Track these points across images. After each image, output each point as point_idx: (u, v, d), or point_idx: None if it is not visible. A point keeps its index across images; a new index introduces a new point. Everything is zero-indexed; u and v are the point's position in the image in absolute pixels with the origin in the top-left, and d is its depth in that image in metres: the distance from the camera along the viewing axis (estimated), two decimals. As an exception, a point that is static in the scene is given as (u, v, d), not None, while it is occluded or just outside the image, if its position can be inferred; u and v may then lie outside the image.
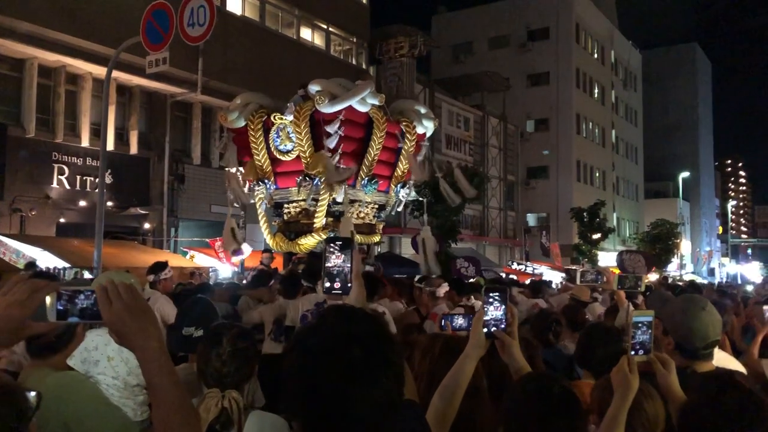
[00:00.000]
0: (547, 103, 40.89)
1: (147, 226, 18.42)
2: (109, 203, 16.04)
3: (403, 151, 8.73)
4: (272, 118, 8.35)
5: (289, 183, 8.49)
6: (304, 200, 8.27)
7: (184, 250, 18.39)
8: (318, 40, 24.62)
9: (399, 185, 8.97)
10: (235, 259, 13.72)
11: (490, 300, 2.06)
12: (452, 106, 32.61)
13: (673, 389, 2.21)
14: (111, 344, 2.31)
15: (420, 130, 8.84)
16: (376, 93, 8.24)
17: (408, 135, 8.65)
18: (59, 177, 16.49)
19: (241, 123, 8.60)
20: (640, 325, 2.19)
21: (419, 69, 30.37)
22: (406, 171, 8.93)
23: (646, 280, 4.70)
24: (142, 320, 1.34)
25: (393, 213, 9.70)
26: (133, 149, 18.40)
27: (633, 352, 2.17)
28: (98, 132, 14.17)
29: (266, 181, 8.61)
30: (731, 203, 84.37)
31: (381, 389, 1.27)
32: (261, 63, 20.85)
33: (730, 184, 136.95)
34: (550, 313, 4.83)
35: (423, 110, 9.11)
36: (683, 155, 62.57)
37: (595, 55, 45.70)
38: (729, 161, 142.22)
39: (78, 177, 16.87)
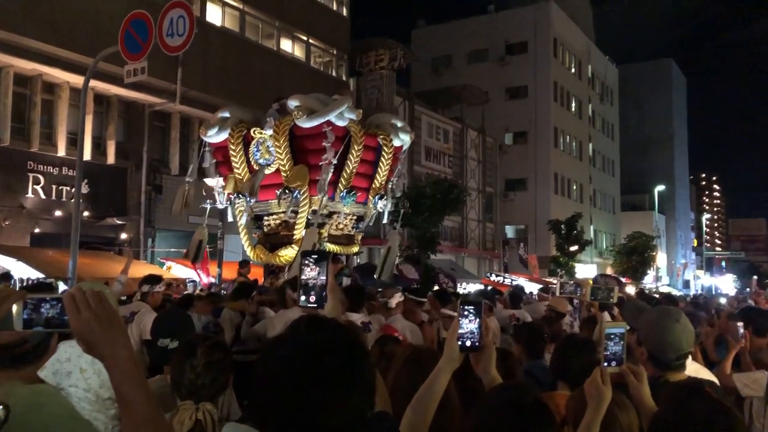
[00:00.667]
0: (525, 117, 41.27)
1: (123, 236, 18.22)
2: (86, 213, 15.86)
3: (380, 162, 8.80)
4: (252, 133, 8.44)
5: (268, 196, 8.56)
6: (284, 212, 8.35)
7: (161, 261, 18.20)
8: (298, 52, 24.65)
9: (377, 197, 9.04)
10: (206, 280, 13.64)
11: (465, 313, 2.04)
12: (432, 119, 32.77)
13: (645, 400, 2.24)
14: (84, 356, 2.28)
15: (397, 143, 8.99)
16: (354, 108, 8.44)
17: (385, 148, 8.77)
18: (34, 186, 16.28)
19: (221, 137, 8.63)
20: (612, 336, 2.21)
21: (399, 82, 30.52)
22: (383, 183, 9.01)
23: (619, 294, 4.76)
24: (111, 329, 1.31)
25: (371, 224, 9.83)
26: (111, 159, 18.23)
27: (606, 364, 2.18)
28: (75, 141, 14.04)
29: (246, 194, 8.64)
30: (706, 216, 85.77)
31: (352, 399, 1.27)
32: (240, 74, 20.82)
33: (704, 198, 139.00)
34: (540, 326, 4.84)
35: (400, 124, 9.30)
36: (659, 169, 63.40)
37: (573, 70, 46.25)
38: (704, 175, 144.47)
39: (54, 187, 16.66)
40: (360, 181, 8.73)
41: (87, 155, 15.93)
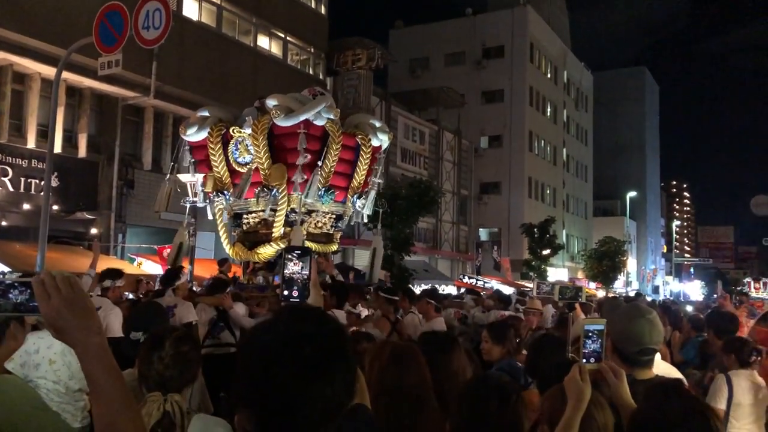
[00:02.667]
0: (500, 120, 41.56)
1: (94, 231, 17.94)
2: (55, 207, 15.58)
3: (359, 162, 8.88)
4: (231, 131, 8.44)
5: (247, 194, 8.54)
6: (263, 211, 8.40)
7: (132, 256, 17.98)
8: (275, 49, 24.52)
9: (355, 196, 9.11)
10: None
11: (589, 334, 2.21)
12: (408, 120, 32.84)
13: (624, 397, 2.26)
14: (53, 347, 2.24)
15: (375, 143, 9.03)
16: (332, 107, 8.44)
17: (363, 148, 8.83)
18: (2, 179, 15.95)
19: (201, 136, 8.67)
20: (590, 333, 2.23)
21: (376, 82, 30.53)
22: (362, 182, 9.10)
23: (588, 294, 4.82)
24: (82, 315, 1.28)
25: (353, 223, 9.86)
26: (82, 152, 17.95)
27: (585, 361, 2.19)
28: (45, 133, 13.81)
29: (226, 192, 8.68)
30: (676, 223, 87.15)
31: (332, 390, 1.27)
32: (216, 69, 20.66)
33: (675, 205, 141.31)
34: (513, 325, 4.87)
35: (378, 124, 9.33)
36: (631, 175, 64.31)
37: (549, 75, 46.70)
38: (674, 182, 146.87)
39: (22, 179, 16.35)
40: (338, 180, 8.76)
41: (57, 148, 15.66)
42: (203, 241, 18.59)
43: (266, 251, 8.35)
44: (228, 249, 9.02)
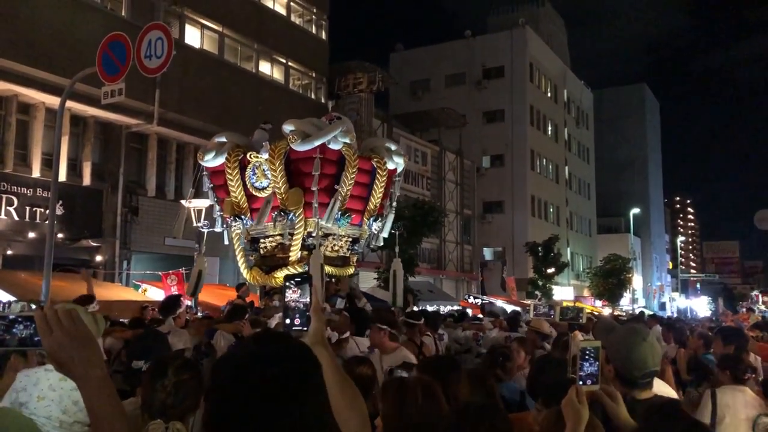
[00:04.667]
0: (502, 140, 41.69)
1: (99, 258, 18.00)
2: (60, 235, 15.65)
3: (374, 185, 9.02)
4: (248, 157, 8.59)
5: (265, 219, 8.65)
6: (280, 235, 8.54)
7: (137, 283, 17.99)
8: (277, 74, 24.75)
9: (372, 218, 9.22)
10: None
11: (586, 356, 2.21)
12: (410, 141, 32.98)
13: (622, 418, 2.27)
14: (40, 384, 2.25)
15: (391, 166, 9.17)
16: (348, 132, 8.60)
17: (379, 171, 8.96)
18: (7, 208, 16.05)
19: (218, 162, 8.81)
20: (587, 355, 2.23)
21: (378, 104, 30.74)
22: (378, 205, 9.21)
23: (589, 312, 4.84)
24: (84, 348, 1.31)
25: (371, 246, 9.92)
26: (86, 180, 18.07)
27: (581, 383, 2.19)
28: (50, 162, 13.89)
29: (243, 217, 8.80)
30: (680, 239, 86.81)
31: (299, 413, 1.25)
32: (219, 96, 20.84)
33: (679, 221, 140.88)
34: (506, 347, 4.87)
35: (393, 147, 9.49)
36: (634, 192, 64.29)
37: (549, 94, 46.93)
38: (678, 198, 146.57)
39: (27, 208, 16.44)
40: (355, 204, 8.88)
41: (62, 176, 15.78)
42: (209, 267, 18.60)
43: (283, 275, 8.27)
44: (245, 273, 9.12)
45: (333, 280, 9.01)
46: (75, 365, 1.30)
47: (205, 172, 9.27)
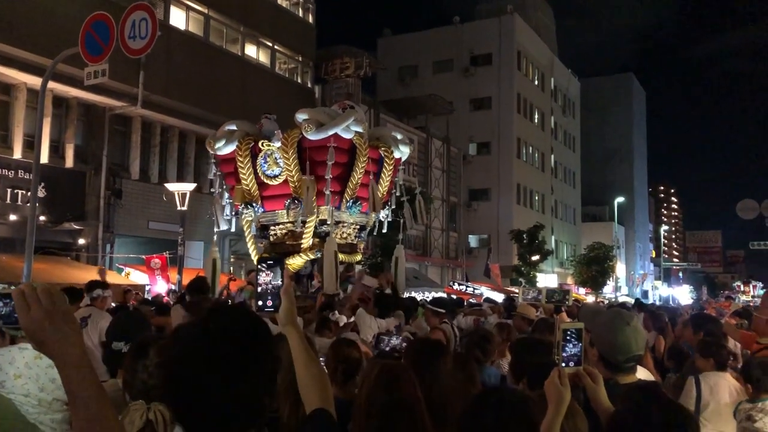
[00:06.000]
0: (488, 127, 41.72)
1: (81, 241, 17.85)
2: (42, 217, 15.49)
3: (382, 174, 9.26)
4: (260, 145, 8.70)
5: (276, 206, 8.83)
6: (291, 222, 8.71)
7: (120, 267, 17.89)
8: (263, 58, 24.53)
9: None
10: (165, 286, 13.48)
11: (567, 338, 2.21)
12: (397, 128, 32.85)
13: (601, 401, 2.28)
14: (15, 362, 2.22)
15: (397, 155, 9.40)
16: (360, 121, 8.80)
17: (387, 160, 9.21)
18: (-12, 189, 15.85)
19: (229, 149, 8.89)
20: (569, 337, 2.23)
21: (365, 90, 30.60)
22: (385, 193, 9.48)
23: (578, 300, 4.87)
24: (62, 326, 1.27)
25: (375, 233, 10.15)
26: (69, 162, 17.87)
27: (564, 364, 2.20)
28: (32, 144, 13.73)
29: (254, 204, 8.92)
30: (664, 228, 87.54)
31: (247, 386, 1.31)
32: (204, 78, 20.63)
33: (663, 210, 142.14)
34: (487, 332, 4.90)
35: (400, 136, 9.73)
36: (618, 181, 64.68)
37: (536, 82, 46.96)
38: (662, 187, 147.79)
39: (9, 190, 16.23)
40: (363, 192, 9.04)
41: (44, 158, 15.60)
42: (192, 251, 18.52)
43: (295, 262, 8.65)
44: (255, 260, 9.19)
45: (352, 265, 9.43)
46: (52, 344, 1.27)
47: (213, 160, 9.37)
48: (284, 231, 8.91)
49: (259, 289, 1.97)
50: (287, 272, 2.00)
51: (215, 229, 9.69)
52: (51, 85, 14.02)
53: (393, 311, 7.09)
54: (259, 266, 1.99)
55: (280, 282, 1.95)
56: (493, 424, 1.91)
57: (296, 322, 1.95)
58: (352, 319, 6.20)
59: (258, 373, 1.32)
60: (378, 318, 6.47)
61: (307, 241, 8.58)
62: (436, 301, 7.76)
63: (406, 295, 12.14)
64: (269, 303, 1.95)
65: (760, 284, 30.99)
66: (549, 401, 2.13)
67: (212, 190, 9.74)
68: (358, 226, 9.37)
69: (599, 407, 2.27)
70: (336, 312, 6.32)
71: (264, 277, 1.96)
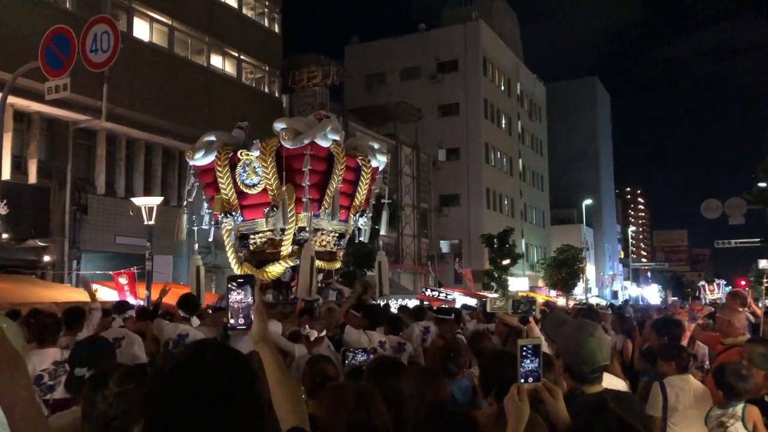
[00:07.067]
0: (457, 133, 41.98)
1: (47, 258, 17.50)
2: (5, 235, 15.17)
3: (359, 182, 9.40)
4: (239, 155, 8.81)
5: (255, 215, 8.91)
6: (270, 230, 8.81)
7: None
8: (229, 68, 24.39)
9: (357, 214, 9.59)
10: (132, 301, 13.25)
11: (524, 353, 2.20)
12: (367, 136, 32.92)
13: (560, 416, 2.28)
14: None
15: (374, 164, 9.53)
16: (337, 129, 8.92)
17: (364, 168, 9.35)
18: (-52, 208, 15.45)
19: (208, 160, 8.95)
20: (525, 352, 2.22)
21: (332, 98, 30.57)
22: (363, 201, 9.61)
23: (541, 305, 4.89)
24: (8, 368, 1.25)
25: (357, 240, 10.32)
26: (32, 178, 17.52)
27: (522, 380, 2.19)
28: (-8, 160, 13.44)
29: (233, 213, 9.02)
30: (631, 229, 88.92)
31: (230, 423, 1.27)
32: (169, 90, 20.43)
33: (630, 211, 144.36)
34: (456, 344, 4.90)
35: (377, 146, 9.87)
36: (586, 183, 65.48)
37: (502, 88, 47.41)
38: (628, 189, 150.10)
39: (-31, 208, 15.86)
40: (342, 200, 9.13)
41: (6, 174, 15.30)
42: (160, 265, 18.27)
43: (275, 269, 8.77)
44: (236, 269, 9.32)
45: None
46: (0, 386, 1.24)
47: (191, 171, 9.40)
48: (264, 239, 9.02)
49: (231, 307, 1.95)
50: (258, 290, 1.99)
51: (175, 239, 9.69)
52: (11, 99, 13.75)
53: (382, 321, 6.99)
54: (229, 285, 1.98)
55: (251, 300, 1.94)
56: None
57: (269, 339, 1.94)
58: (324, 333, 6.11)
59: (240, 409, 1.28)
60: (368, 330, 6.40)
61: (286, 248, 8.68)
62: (442, 309, 7.99)
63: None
64: (241, 321, 1.94)
65: (723, 282, 31.52)
66: (508, 418, 2.13)
67: (187, 200, 9.69)
68: (337, 234, 9.49)
69: (558, 422, 2.28)
70: (307, 326, 6.23)
71: (235, 296, 1.94)
